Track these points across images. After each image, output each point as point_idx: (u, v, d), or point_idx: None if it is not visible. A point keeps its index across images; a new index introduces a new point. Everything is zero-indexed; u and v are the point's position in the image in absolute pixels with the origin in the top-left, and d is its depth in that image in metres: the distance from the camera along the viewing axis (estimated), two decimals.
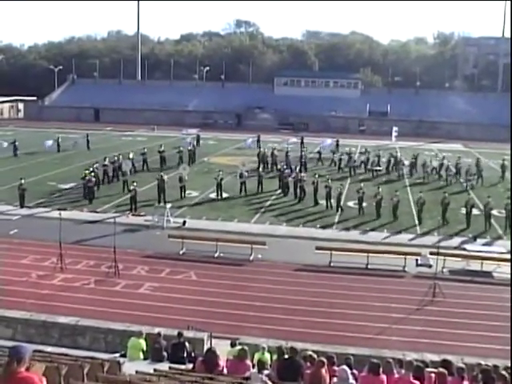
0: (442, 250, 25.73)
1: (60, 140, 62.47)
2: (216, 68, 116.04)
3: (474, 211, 35.66)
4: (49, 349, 15.01)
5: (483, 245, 30.79)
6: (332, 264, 27.37)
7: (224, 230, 32.50)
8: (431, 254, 26.80)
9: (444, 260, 26.45)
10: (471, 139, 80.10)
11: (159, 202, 37.19)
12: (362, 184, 39.31)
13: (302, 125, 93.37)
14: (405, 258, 27.21)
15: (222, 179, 40.18)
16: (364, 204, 36.91)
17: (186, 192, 39.96)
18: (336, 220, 35.62)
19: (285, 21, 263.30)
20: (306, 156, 54.08)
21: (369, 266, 27.11)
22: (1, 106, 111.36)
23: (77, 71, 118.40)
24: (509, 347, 18.09)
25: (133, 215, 35.24)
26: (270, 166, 52.15)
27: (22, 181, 36.86)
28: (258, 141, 66.89)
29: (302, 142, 64.05)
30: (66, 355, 13.38)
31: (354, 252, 28.05)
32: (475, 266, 27.08)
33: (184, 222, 33.57)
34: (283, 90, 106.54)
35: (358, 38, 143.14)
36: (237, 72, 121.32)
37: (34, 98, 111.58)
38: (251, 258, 27.92)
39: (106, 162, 45.93)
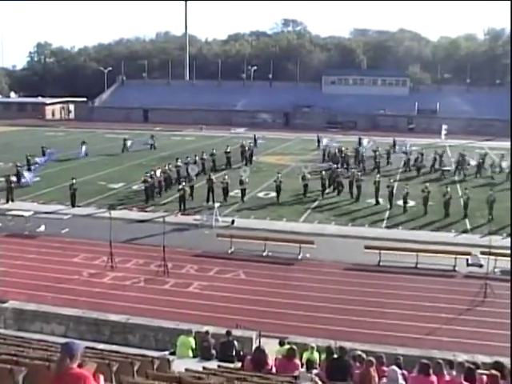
0: (493, 250, 25.31)
1: (127, 141, 63.96)
2: (264, 67, 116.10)
3: None
4: (100, 346, 15.24)
5: None
6: (381, 263, 27.17)
7: (272, 229, 32.51)
8: (482, 253, 26.40)
9: (495, 260, 26.01)
10: None
11: (207, 201, 37.45)
12: (427, 184, 39.06)
13: (350, 123, 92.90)
14: (455, 258, 26.85)
15: (281, 182, 39.58)
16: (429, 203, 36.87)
17: (235, 191, 39.91)
18: (387, 219, 35.39)
19: (332, 19, 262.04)
20: (379, 155, 53.29)
21: (418, 266, 26.81)
22: (52, 108, 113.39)
23: (126, 72, 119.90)
24: None
25: (182, 214, 35.51)
26: (340, 165, 51.25)
27: (74, 180, 37.43)
28: (319, 141, 66.15)
29: (359, 143, 63.50)
30: (117, 352, 13.56)
31: (404, 251, 27.78)
32: None
33: (233, 221, 33.68)
34: (331, 88, 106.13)
35: (406, 35, 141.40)
36: (284, 71, 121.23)
37: (85, 99, 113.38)
38: (300, 257, 27.87)
39: (179, 163, 46.03)
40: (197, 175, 42.54)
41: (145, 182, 39.09)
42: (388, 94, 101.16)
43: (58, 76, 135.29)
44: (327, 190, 41.70)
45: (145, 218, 34.89)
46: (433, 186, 40.55)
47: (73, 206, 36.97)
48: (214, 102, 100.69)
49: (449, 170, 50.36)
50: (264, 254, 28.29)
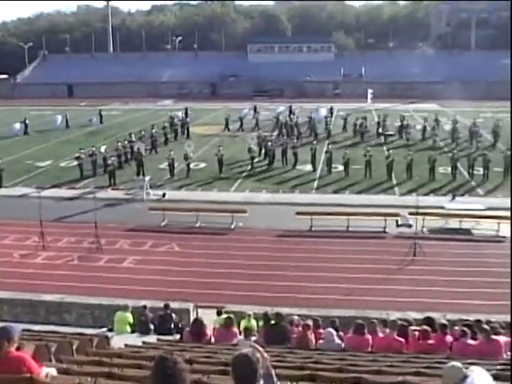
0: (421, 210, 25.98)
1: (68, 117, 61.70)
2: (188, 37, 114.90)
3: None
4: (37, 327, 15.08)
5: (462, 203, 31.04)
6: (313, 228, 27.59)
7: (204, 199, 32.55)
8: (410, 214, 27.09)
9: (423, 219, 26.74)
10: (447, 98, 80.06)
11: (138, 174, 37.02)
12: (368, 148, 39.70)
13: (277, 91, 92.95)
14: (385, 220, 27.48)
15: (222, 155, 38.82)
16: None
17: (164, 164, 39.49)
18: (319, 185, 35.87)
19: None
20: (330, 122, 54.23)
21: (350, 229, 27.34)
22: None
23: (48, 47, 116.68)
24: (490, 302, 18.56)
25: (112, 189, 35.18)
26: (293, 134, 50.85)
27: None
28: (255, 111, 63.23)
29: (290, 111, 63.21)
30: (55, 332, 13.47)
31: (334, 215, 28.25)
32: (454, 224, 27.42)
33: (164, 194, 33.59)
34: (257, 56, 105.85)
35: (329, 1, 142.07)
36: (209, 40, 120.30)
37: (6, 76, 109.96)
38: (232, 226, 28.06)
39: (133, 138, 44.74)
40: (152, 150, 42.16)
41: (78, 158, 38.35)
42: (313, 60, 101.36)
43: None
44: (257, 159, 41.47)
45: (74, 195, 34.43)
46: (375, 151, 41.29)
47: None
48: (139, 74, 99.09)
49: (392, 135, 51.12)
50: (197, 225, 28.37)
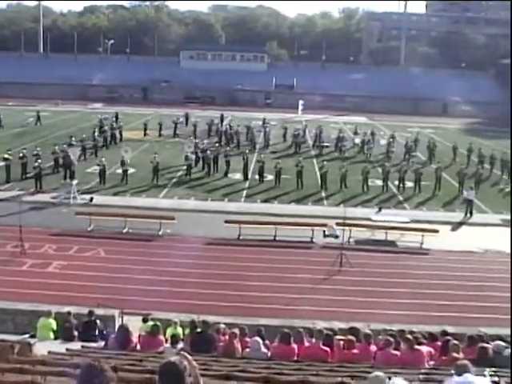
0: (348, 221, 26.35)
1: (1, 117, 59.64)
2: (121, 41, 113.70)
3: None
4: None
5: (387, 215, 31.66)
6: (241, 237, 27.66)
7: (133, 205, 32.25)
8: (338, 224, 27.44)
9: (350, 230, 27.15)
10: (376, 112, 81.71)
11: (65, 178, 36.40)
12: (300, 158, 39.90)
13: (208, 98, 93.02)
14: (312, 230, 27.74)
15: (158, 163, 38.10)
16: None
17: (92, 168, 39.08)
18: (248, 193, 36.00)
19: None
20: (269, 131, 54.65)
21: (277, 238, 27.51)
22: None
23: None
24: (413, 312, 18.99)
25: (38, 192, 34.45)
26: (233, 142, 51.57)
27: None
28: (187, 118, 63.96)
29: (221, 120, 63.13)
30: None
31: (262, 225, 28.37)
32: (380, 235, 27.93)
33: (91, 199, 33.09)
34: (189, 63, 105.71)
35: (264, 11, 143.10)
36: (142, 45, 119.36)
37: None
38: (160, 232, 27.88)
39: (73, 142, 43.60)
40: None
41: (5, 159, 37.23)
42: (246, 69, 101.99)
43: None
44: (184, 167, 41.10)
45: (0, 197, 33.61)
46: (308, 162, 41.96)
47: None
48: (69, 76, 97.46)
49: (328, 146, 51.74)
50: (124, 230, 28.06)
